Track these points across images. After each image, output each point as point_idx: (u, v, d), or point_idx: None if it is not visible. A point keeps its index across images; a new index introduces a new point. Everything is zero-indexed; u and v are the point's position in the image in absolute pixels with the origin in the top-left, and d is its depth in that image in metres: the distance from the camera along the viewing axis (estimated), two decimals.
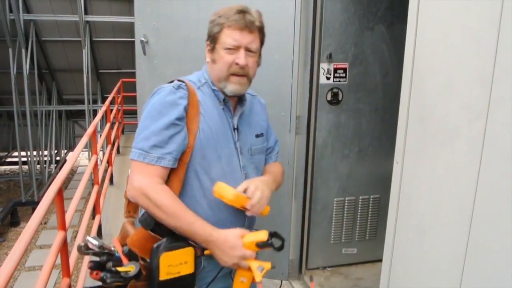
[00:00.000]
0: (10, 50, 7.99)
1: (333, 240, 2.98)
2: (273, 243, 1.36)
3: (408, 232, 1.61)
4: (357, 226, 3.01)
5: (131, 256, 1.43)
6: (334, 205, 2.92)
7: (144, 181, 1.42)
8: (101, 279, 1.37)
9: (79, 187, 3.26)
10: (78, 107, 9.95)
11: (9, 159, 11.16)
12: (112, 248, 1.44)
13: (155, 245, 1.42)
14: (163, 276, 1.38)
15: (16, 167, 11.06)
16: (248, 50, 1.50)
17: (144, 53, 2.61)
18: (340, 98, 2.76)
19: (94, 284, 1.42)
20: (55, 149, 10.75)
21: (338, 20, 2.64)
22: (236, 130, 1.59)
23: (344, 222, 2.97)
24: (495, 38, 1.18)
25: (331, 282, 2.86)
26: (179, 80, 1.53)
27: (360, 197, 2.96)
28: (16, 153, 10.53)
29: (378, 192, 2.97)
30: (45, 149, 9.97)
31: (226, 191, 1.41)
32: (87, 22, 8.26)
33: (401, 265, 1.66)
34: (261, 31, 1.55)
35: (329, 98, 2.74)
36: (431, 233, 1.49)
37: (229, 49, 1.48)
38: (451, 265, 1.38)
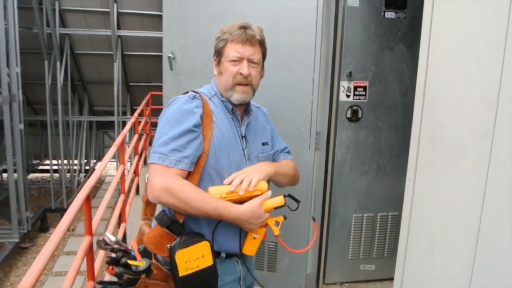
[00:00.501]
0: (46, 62, 8.33)
1: (351, 256, 3.01)
2: (289, 205, 1.62)
3: (419, 248, 1.65)
4: (376, 243, 3.03)
5: (146, 254, 1.52)
6: (353, 221, 2.95)
7: (165, 179, 1.52)
8: (116, 274, 1.48)
9: (106, 195, 3.38)
10: (108, 118, 10.21)
11: (40, 167, 11.49)
12: (129, 247, 1.54)
13: (171, 245, 1.53)
14: (182, 272, 1.49)
15: (47, 175, 11.42)
16: (250, 61, 1.66)
17: (171, 68, 2.73)
18: (359, 116, 2.81)
19: (110, 279, 1.55)
20: (85, 159, 11.04)
21: (359, 39, 2.71)
22: (244, 138, 1.72)
23: (363, 239, 3.00)
24: (500, 63, 1.23)
25: None
26: (193, 91, 1.68)
27: (379, 214, 2.98)
28: (47, 161, 10.88)
29: (397, 209, 2.98)
30: (75, 158, 10.28)
31: (217, 192, 1.55)
32: (119, 36, 8.54)
33: (412, 279, 1.70)
34: (262, 44, 1.71)
35: (348, 115, 2.80)
36: (440, 249, 1.53)
37: (233, 61, 1.64)
38: (459, 281, 1.42)
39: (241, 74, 1.64)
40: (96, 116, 10.77)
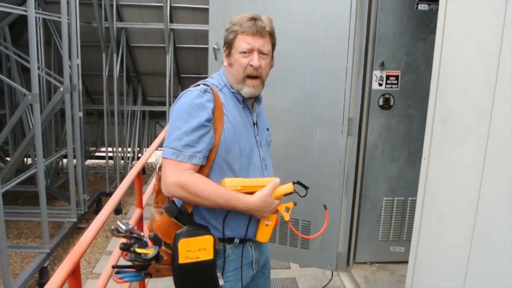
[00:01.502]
0: (104, 54, 8.84)
1: (381, 238, 3.17)
2: (298, 192, 1.68)
3: (431, 220, 1.82)
4: (406, 226, 3.16)
5: (156, 241, 1.60)
6: (383, 204, 3.11)
7: (179, 175, 1.56)
8: (129, 260, 1.57)
9: (155, 177, 3.69)
10: (160, 108, 10.64)
11: (97, 154, 12.13)
12: (142, 234, 1.61)
13: (177, 232, 1.58)
14: (182, 259, 1.54)
15: (103, 161, 12.08)
16: (260, 52, 1.66)
17: (216, 58, 2.99)
18: (391, 104, 2.96)
19: (125, 263, 1.63)
20: (138, 147, 11.56)
21: (391, 31, 2.85)
22: (255, 125, 1.77)
23: (393, 221, 3.15)
24: (498, 50, 1.38)
25: (376, 276, 3.05)
26: (204, 84, 1.69)
27: (409, 198, 3.11)
28: (103, 149, 11.52)
29: None
30: (129, 146, 10.82)
31: (232, 184, 1.61)
32: (172, 29, 8.90)
33: (424, 247, 1.86)
34: (271, 35, 1.71)
35: (381, 103, 2.95)
36: (448, 221, 1.69)
37: (244, 52, 1.64)
38: (462, 247, 1.58)
39: (251, 65, 1.64)
40: (149, 106, 11.25)
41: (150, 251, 1.55)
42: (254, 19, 1.65)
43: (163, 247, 1.60)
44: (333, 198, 2.97)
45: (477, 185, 1.48)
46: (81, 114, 7.74)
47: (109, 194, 9.46)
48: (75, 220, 7.46)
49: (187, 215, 1.62)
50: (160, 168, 1.70)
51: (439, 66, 1.74)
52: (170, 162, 1.57)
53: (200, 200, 1.58)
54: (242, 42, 1.65)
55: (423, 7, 2.84)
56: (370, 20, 2.81)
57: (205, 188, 1.56)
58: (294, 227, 3.03)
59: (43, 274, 6.38)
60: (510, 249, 1.33)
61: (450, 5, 1.66)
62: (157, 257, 1.56)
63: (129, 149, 10.81)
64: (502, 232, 1.38)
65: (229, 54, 1.71)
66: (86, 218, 8.82)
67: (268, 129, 1.88)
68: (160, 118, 11.99)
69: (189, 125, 1.58)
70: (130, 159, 10.91)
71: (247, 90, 1.68)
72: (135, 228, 1.65)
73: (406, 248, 3.20)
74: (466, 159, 1.55)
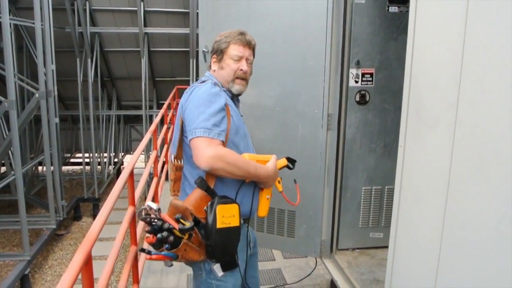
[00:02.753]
0: (78, 59, 8.84)
1: (361, 225, 3.37)
2: (290, 165, 2.09)
3: (408, 202, 2.02)
4: (384, 213, 3.38)
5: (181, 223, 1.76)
6: (362, 193, 3.32)
7: (215, 148, 1.76)
8: (157, 241, 1.70)
9: (142, 178, 3.77)
10: (136, 112, 10.67)
11: (71, 160, 12.04)
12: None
13: (209, 203, 1.78)
14: (220, 224, 1.75)
15: (78, 167, 12.00)
16: (247, 60, 2.03)
17: (205, 60, 3.16)
18: (367, 99, 3.17)
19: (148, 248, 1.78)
20: (113, 152, 11.55)
21: (366, 32, 3.07)
22: (242, 117, 2.09)
23: (371, 209, 3.36)
24: (461, 47, 1.59)
25: (358, 261, 3.26)
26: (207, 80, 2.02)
27: (386, 187, 3.33)
28: (78, 154, 11.45)
29: None
30: (105, 151, 10.82)
31: (251, 157, 1.91)
32: (146, 33, 8.99)
33: (403, 227, 2.07)
34: (253, 49, 2.08)
35: (357, 99, 3.16)
36: (423, 200, 1.90)
37: (235, 59, 2.00)
38: (435, 227, 1.78)
39: (241, 70, 2.00)
40: (124, 110, 11.27)
41: (186, 223, 1.72)
42: (242, 33, 2.02)
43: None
44: (316, 189, 3.16)
45: (447, 165, 1.68)
46: (57, 119, 7.72)
47: (87, 200, 9.47)
48: (54, 226, 7.46)
49: (212, 190, 1.83)
50: (176, 157, 1.99)
51: (411, 63, 1.94)
52: (204, 139, 1.77)
53: (235, 170, 1.80)
54: (235, 51, 2.00)
55: (393, 9, 3.07)
56: (345, 22, 3.01)
57: (238, 159, 1.82)
58: (280, 216, 3.24)
59: (24, 282, 6.37)
60: (479, 218, 1.54)
61: (420, 7, 1.87)
62: (191, 230, 1.72)
63: (105, 154, 10.81)
64: (470, 202, 1.59)
65: (220, 60, 2.04)
66: (64, 225, 8.80)
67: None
68: (135, 122, 12.02)
69: (213, 109, 1.82)
70: (106, 164, 10.90)
71: (237, 87, 2.03)
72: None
73: (384, 234, 3.41)
74: (437, 143, 1.76)
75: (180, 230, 1.70)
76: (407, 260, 2.09)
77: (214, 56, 2.07)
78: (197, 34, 8.50)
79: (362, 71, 3.13)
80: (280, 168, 2.01)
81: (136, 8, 8.44)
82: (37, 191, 9.35)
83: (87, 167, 10.06)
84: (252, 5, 3.06)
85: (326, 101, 3.05)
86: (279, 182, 2.03)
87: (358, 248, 3.41)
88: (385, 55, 3.14)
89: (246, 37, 2.03)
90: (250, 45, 2.04)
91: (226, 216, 1.78)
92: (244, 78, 2.03)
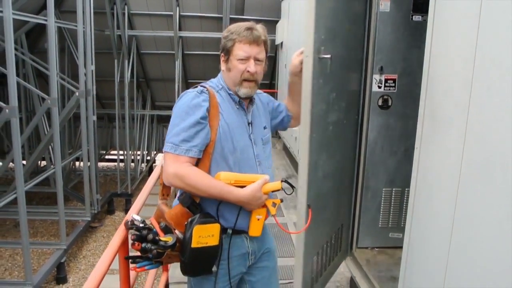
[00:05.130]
0: (115, 61, 9.20)
1: (381, 225, 3.49)
2: (285, 190, 1.88)
3: (422, 200, 2.15)
4: (403, 214, 3.48)
5: (167, 230, 1.77)
6: (383, 194, 3.43)
7: (177, 167, 1.74)
8: (142, 249, 1.73)
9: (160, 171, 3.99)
10: (168, 112, 10.96)
11: (106, 157, 12.48)
12: (150, 225, 1.80)
13: (189, 219, 1.76)
14: (195, 244, 1.72)
15: (112, 164, 12.42)
16: (256, 59, 1.84)
17: None
18: (389, 104, 3.30)
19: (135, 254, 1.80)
20: (146, 150, 11.90)
21: (389, 39, 3.19)
22: (250, 125, 1.95)
23: (391, 210, 3.47)
24: (473, 56, 1.72)
25: (377, 259, 3.38)
26: (201, 86, 1.88)
27: (406, 189, 3.43)
28: (113, 151, 11.87)
29: None
30: (138, 149, 11.19)
31: (226, 178, 1.81)
32: (180, 37, 9.28)
33: (416, 226, 2.20)
34: (266, 43, 1.88)
35: (380, 103, 3.29)
36: (437, 199, 2.02)
37: (241, 59, 1.83)
38: (446, 217, 1.91)
39: (248, 71, 1.83)
40: (157, 110, 11.61)
41: (169, 239, 1.73)
42: (250, 28, 1.83)
43: (177, 234, 1.79)
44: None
45: (458, 165, 1.81)
46: (94, 117, 8.06)
47: (120, 195, 9.83)
48: (89, 219, 7.79)
49: (196, 206, 1.81)
50: None
51: (428, 69, 2.08)
52: (170, 155, 1.76)
53: (194, 191, 1.77)
54: (240, 51, 1.83)
55: (417, 18, 3.19)
56: (370, 30, 3.15)
57: (199, 180, 1.74)
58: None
59: (60, 269, 6.70)
60: (483, 217, 1.66)
61: (437, 18, 2.01)
62: (174, 244, 1.74)
63: (138, 152, 11.18)
64: (476, 201, 1.71)
65: (227, 60, 1.89)
66: (98, 218, 9.16)
67: (265, 128, 2.05)
68: (167, 122, 12.27)
69: (186, 123, 1.76)
70: (139, 161, 11.27)
71: (244, 90, 1.88)
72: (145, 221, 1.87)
73: (404, 234, 3.52)
74: (449, 145, 1.89)
75: (163, 247, 1.72)
76: (420, 257, 2.22)
77: (222, 55, 1.93)
78: None
79: (385, 77, 3.26)
80: (273, 191, 1.87)
81: (172, 13, 8.73)
82: (74, 185, 9.79)
83: (121, 164, 10.42)
84: None
85: None
86: (274, 205, 1.88)
87: (377, 247, 3.53)
88: (408, 62, 3.26)
89: (254, 32, 1.83)
90: (258, 42, 1.84)
91: (203, 236, 1.74)
92: (253, 79, 1.87)
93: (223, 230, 1.85)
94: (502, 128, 1.57)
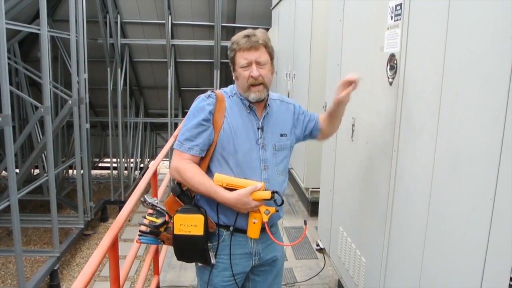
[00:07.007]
0: (108, 69, 9.28)
1: None
2: (275, 201, 1.88)
3: (401, 196, 2.24)
4: None
5: (160, 213, 1.94)
6: None
7: (179, 162, 1.92)
8: (145, 225, 1.94)
9: (162, 184, 4.06)
10: (162, 120, 11.05)
11: (100, 164, 12.50)
12: (164, 208, 1.96)
13: (178, 209, 1.93)
14: (177, 231, 1.87)
15: (106, 171, 12.46)
16: (258, 63, 1.91)
17: None
18: None
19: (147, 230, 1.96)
20: (140, 157, 11.94)
21: None
22: (260, 130, 1.99)
23: None
24: (442, 64, 1.82)
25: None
26: (212, 91, 2.02)
27: None
28: (106, 159, 11.90)
29: None
30: (131, 157, 11.23)
31: (220, 180, 1.89)
32: (173, 45, 9.37)
33: (396, 223, 2.29)
34: (266, 46, 1.93)
35: None
36: (412, 194, 2.12)
37: (244, 67, 1.91)
38: (421, 215, 2.00)
39: (252, 76, 1.90)
40: (150, 118, 11.68)
41: (157, 220, 1.91)
42: (247, 36, 1.91)
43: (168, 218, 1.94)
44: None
45: (431, 165, 1.90)
46: (88, 125, 8.10)
47: (114, 202, 9.86)
48: (82, 226, 7.79)
49: (188, 197, 1.97)
50: None
51: (404, 75, 2.18)
52: (176, 151, 1.95)
53: (188, 185, 1.93)
54: (241, 59, 1.91)
55: None
56: None
57: (193, 177, 1.89)
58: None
59: (54, 277, 6.72)
60: (456, 209, 1.75)
61: (411, 27, 2.11)
62: (164, 227, 1.91)
63: (131, 160, 11.22)
64: (448, 199, 1.80)
65: (234, 70, 1.98)
66: (92, 225, 9.18)
67: (282, 135, 2.07)
68: (161, 130, 12.40)
69: (191, 123, 1.93)
70: (132, 169, 11.31)
71: (253, 95, 1.94)
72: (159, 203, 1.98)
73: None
74: (423, 146, 1.98)
75: (154, 227, 1.91)
76: (398, 256, 2.31)
77: (230, 64, 2.02)
78: (221, 46, 8.92)
79: None
80: (263, 200, 1.88)
81: (164, 21, 8.83)
82: (67, 193, 9.82)
83: (115, 172, 10.47)
84: None
85: None
86: (267, 212, 1.91)
87: None
88: None
89: (251, 38, 1.90)
90: (256, 46, 1.90)
91: (185, 224, 1.86)
92: (259, 83, 1.93)
93: (226, 227, 1.98)
94: (468, 131, 1.67)
